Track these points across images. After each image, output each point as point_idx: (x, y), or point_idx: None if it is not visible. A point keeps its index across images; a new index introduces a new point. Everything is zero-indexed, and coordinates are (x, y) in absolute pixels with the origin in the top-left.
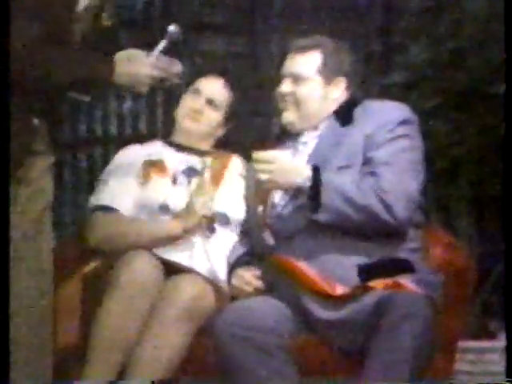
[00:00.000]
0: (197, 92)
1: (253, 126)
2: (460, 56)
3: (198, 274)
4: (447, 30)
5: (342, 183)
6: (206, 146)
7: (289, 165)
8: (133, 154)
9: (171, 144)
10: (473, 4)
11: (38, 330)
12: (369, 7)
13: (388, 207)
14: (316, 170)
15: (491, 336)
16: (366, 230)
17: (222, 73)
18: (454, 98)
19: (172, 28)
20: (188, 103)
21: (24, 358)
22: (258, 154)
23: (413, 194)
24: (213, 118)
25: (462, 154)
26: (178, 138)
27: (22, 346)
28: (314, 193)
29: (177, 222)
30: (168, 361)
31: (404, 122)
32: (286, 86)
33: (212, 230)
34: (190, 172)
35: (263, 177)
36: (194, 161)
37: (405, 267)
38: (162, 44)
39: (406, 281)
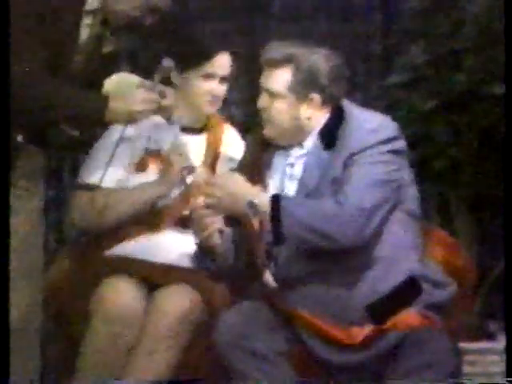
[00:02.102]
0: (211, 75)
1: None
2: (459, 57)
3: (185, 284)
4: (446, 31)
5: (302, 210)
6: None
7: (232, 190)
8: (129, 133)
9: (173, 123)
10: (472, 5)
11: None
12: (368, 8)
13: (341, 229)
14: (275, 199)
15: (491, 337)
16: (330, 252)
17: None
18: (454, 99)
19: (165, 62)
20: (205, 88)
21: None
22: (206, 177)
23: (367, 211)
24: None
25: (461, 155)
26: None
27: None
28: (275, 223)
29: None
30: (159, 370)
31: (383, 142)
32: (261, 101)
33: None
34: (189, 169)
35: (207, 201)
36: (193, 144)
37: (411, 291)
38: (157, 78)
39: (417, 311)
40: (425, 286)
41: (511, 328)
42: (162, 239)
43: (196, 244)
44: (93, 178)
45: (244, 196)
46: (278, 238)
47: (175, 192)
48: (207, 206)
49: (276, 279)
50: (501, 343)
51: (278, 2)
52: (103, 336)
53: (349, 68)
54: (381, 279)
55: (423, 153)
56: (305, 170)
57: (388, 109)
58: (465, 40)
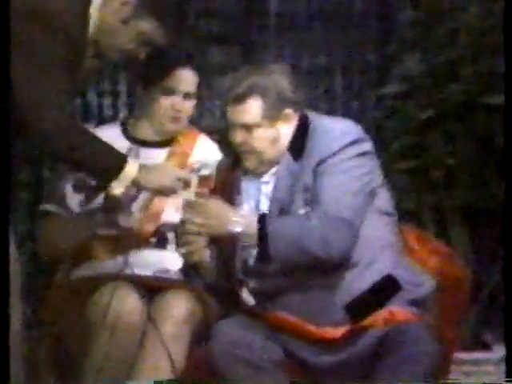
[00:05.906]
0: (171, 91)
1: None
2: (455, 66)
3: (186, 288)
4: (443, 40)
5: (287, 229)
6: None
7: (220, 212)
8: None
9: (134, 140)
10: (468, 14)
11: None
12: (364, 18)
13: (325, 245)
14: (262, 219)
15: (486, 347)
16: (314, 268)
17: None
18: (450, 108)
19: (204, 171)
20: (166, 104)
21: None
22: (190, 203)
23: (347, 223)
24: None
25: (457, 165)
26: (142, 134)
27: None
28: (261, 242)
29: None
30: (165, 374)
31: (348, 146)
32: (238, 137)
33: (164, 242)
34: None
35: (196, 227)
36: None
37: (389, 288)
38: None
39: (398, 307)
40: (402, 283)
41: (510, 337)
42: (142, 256)
43: (182, 259)
44: (51, 205)
45: (228, 218)
46: (265, 257)
47: (136, 212)
48: (192, 232)
49: (255, 294)
50: (497, 354)
51: (274, 11)
52: (107, 342)
53: (345, 78)
54: (358, 280)
55: (419, 162)
56: (276, 183)
57: (384, 118)
58: (461, 50)
